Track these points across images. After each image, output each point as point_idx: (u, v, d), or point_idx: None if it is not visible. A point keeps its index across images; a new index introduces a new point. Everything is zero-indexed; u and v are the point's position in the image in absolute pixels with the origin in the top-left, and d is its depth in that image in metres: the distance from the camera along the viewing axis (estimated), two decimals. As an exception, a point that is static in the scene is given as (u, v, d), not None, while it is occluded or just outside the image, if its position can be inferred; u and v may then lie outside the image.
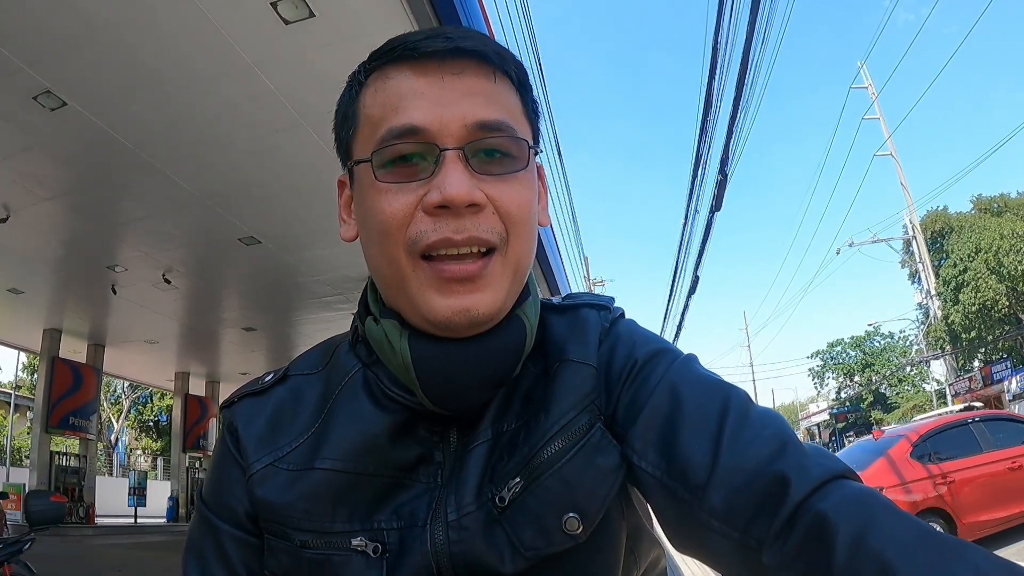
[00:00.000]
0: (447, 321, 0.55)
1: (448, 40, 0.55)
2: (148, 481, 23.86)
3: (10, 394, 28.11)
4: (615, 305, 0.67)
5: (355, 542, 0.57)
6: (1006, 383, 24.62)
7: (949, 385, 30.20)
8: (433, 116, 0.54)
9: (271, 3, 4.98)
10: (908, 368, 42.26)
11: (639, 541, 0.65)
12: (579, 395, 0.59)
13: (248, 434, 0.63)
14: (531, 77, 0.63)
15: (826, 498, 0.46)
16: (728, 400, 0.55)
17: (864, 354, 48.17)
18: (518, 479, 0.56)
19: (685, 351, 0.62)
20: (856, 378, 48.33)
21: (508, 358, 0.58)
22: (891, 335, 47.60)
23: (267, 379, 0.67)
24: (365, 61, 0.60)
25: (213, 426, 19.57)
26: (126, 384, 33.88)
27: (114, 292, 11.04)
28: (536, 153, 0.60)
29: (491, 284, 0.56)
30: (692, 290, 14.65)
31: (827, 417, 51.92)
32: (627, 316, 0.68)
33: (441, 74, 0.55)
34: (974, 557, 0.39)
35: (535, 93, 0.64)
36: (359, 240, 0.63)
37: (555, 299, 0.68)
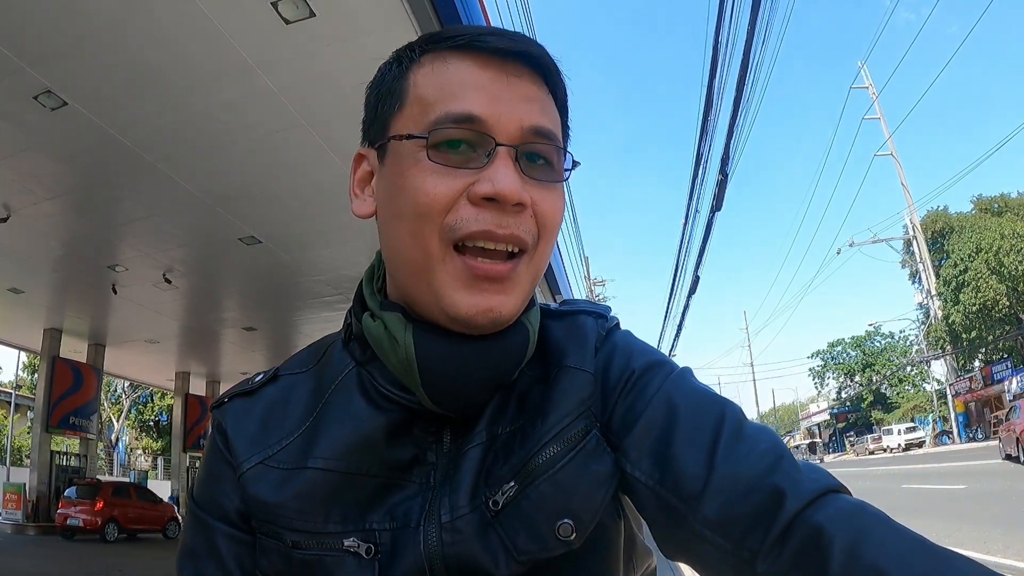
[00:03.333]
0: (470, 319, 0.54)
1: (513, 42, 0.56)
2: (148, 481, 23.87)
3: (10, 394, 28.11)
4: (611, 314, 0.68)
5: (347, 543, 0.56)
6: (1006, 383, 24.61)
7: (949, 385, 30.21)
8: (492, 110, 0.54)
9: (271, 3, 4.98)
10: (908, 368, 42.27)
11: (633, 548, 0.65)
12: (576, 401, 0.59)
13: (237, 434, 0.62)
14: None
15: (821, 510, 0.47)
16: (723, 414, 0.56)
17: (864, 354, 48.18)
18: (513, 483, 0.56)
19: (686, 359, 0.64)
20: (856, 378, 48.35)
21: (511, 362, 0.58)
22: (891, 335, 47.70)
23: (257, 379, 0.67)
24: (419, 41, 0.60)
25: (213, 426, 19.54)
26: (126, 384, 33.90)
27: (114, 292, 11.05)
28: (574, 167, 0.61)
29: (516, 287, 0.56)
30: (692, 290, 14.67)
31: (827, 417, 51.97)
32: (623, 326, 0.68)
33: (505, 72, 0.56)
34: (966, 567, 0.40)
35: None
36: (374, 220, 0.62)
37: (552, 305, 0.68)
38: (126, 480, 18.95)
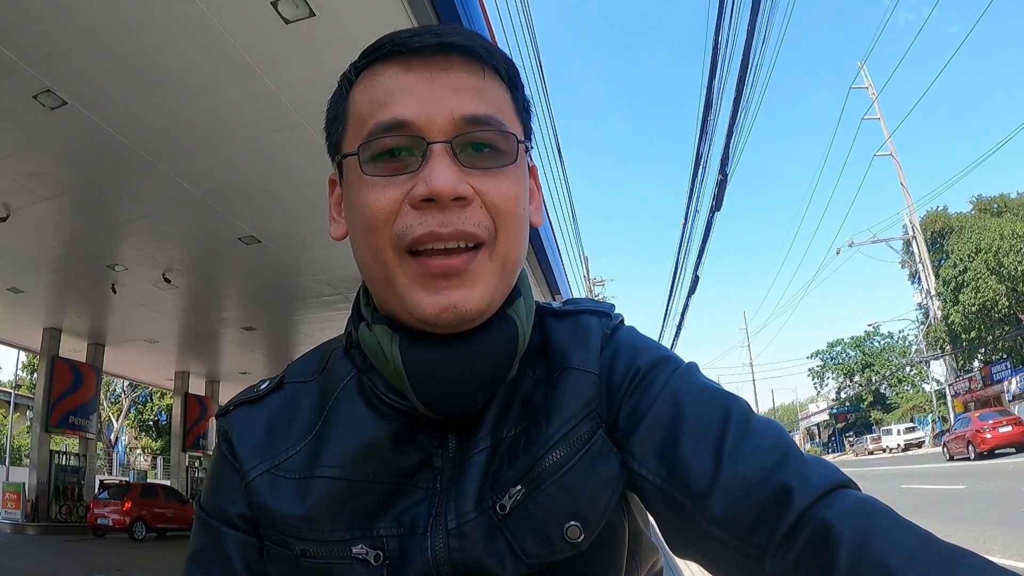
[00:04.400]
0: (435, 319, 0.54)
1: (436, 36, 0.55)
2: (148, 480, 23.90)
3: (10, 393, 28.10)
4: (615, 312, 0.67)
5: (356, 550, 0.56)
6: (1006, 383, 24.63)
7: (949, 385, 30.19)
8: (420, 110, 0.54)
9: (271, 3, 4.98)
10: (908, 368, 42.25)
11: (639, 547, 0.65)
12: (581, 402, 0.58)
13: (243, 442, 0.62)
14: (531, 76, 0.63)
15: (829, 507, 0.46)
16: (730, 409, 0.55)
17: (864, 354, 48.13)
18: (519, 487, 0.56)
19: (686, 359, 0.62)
20: (856, 378, 48.30)
21: (500, 359, 0.57)
22: (891, 335, 47.66)
23: (262, 387, 0.67)
24: (355, 60, 0.60)
25: (213, 425, 19.58)
26: (126, 383, 33.87)
27: (114, 291, 11.04)
28: (527, 149, 0.60)
29: (478, 279, 0.55)
30: (692, 290, 14.65)
31: (827, 417, 51.95)
32: (627, 323, 0.67)
33: (429, 70, 0.55)
34: (976, 564, 0.40)
35: (530, 92, 0.63)
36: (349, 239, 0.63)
37: (555, 304, 0.68)
38: (157, 482, 20.65)
